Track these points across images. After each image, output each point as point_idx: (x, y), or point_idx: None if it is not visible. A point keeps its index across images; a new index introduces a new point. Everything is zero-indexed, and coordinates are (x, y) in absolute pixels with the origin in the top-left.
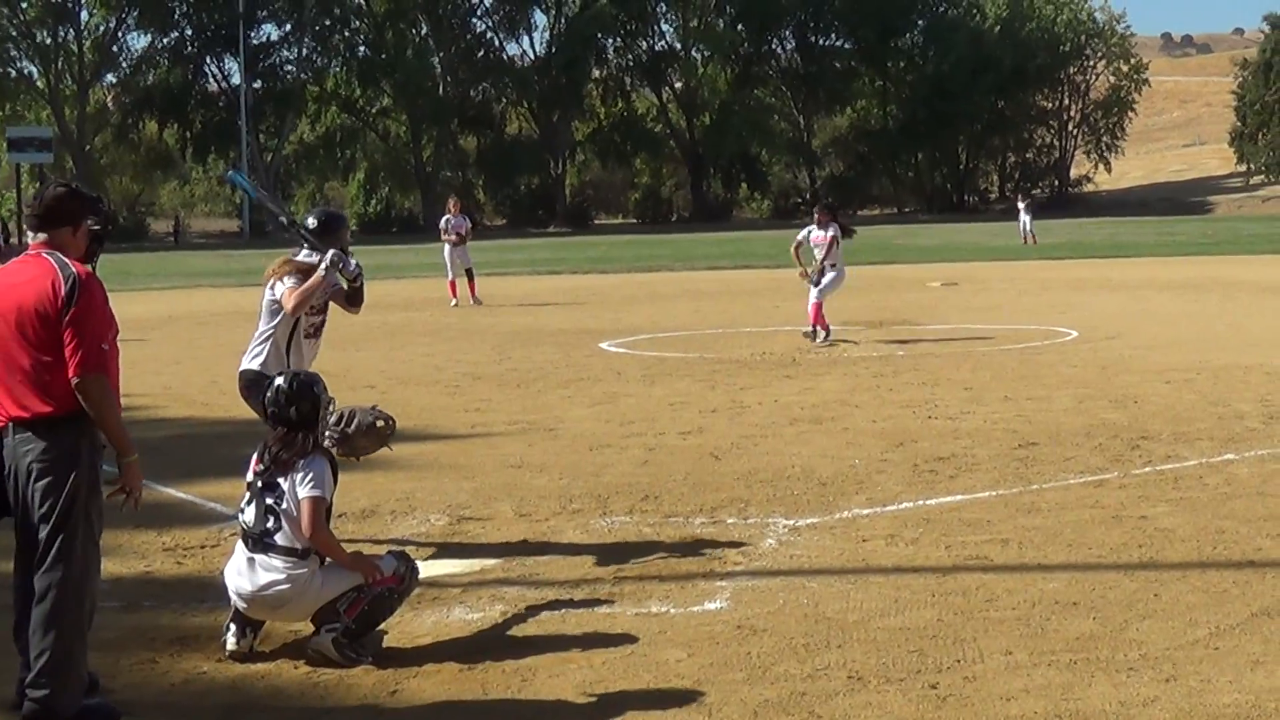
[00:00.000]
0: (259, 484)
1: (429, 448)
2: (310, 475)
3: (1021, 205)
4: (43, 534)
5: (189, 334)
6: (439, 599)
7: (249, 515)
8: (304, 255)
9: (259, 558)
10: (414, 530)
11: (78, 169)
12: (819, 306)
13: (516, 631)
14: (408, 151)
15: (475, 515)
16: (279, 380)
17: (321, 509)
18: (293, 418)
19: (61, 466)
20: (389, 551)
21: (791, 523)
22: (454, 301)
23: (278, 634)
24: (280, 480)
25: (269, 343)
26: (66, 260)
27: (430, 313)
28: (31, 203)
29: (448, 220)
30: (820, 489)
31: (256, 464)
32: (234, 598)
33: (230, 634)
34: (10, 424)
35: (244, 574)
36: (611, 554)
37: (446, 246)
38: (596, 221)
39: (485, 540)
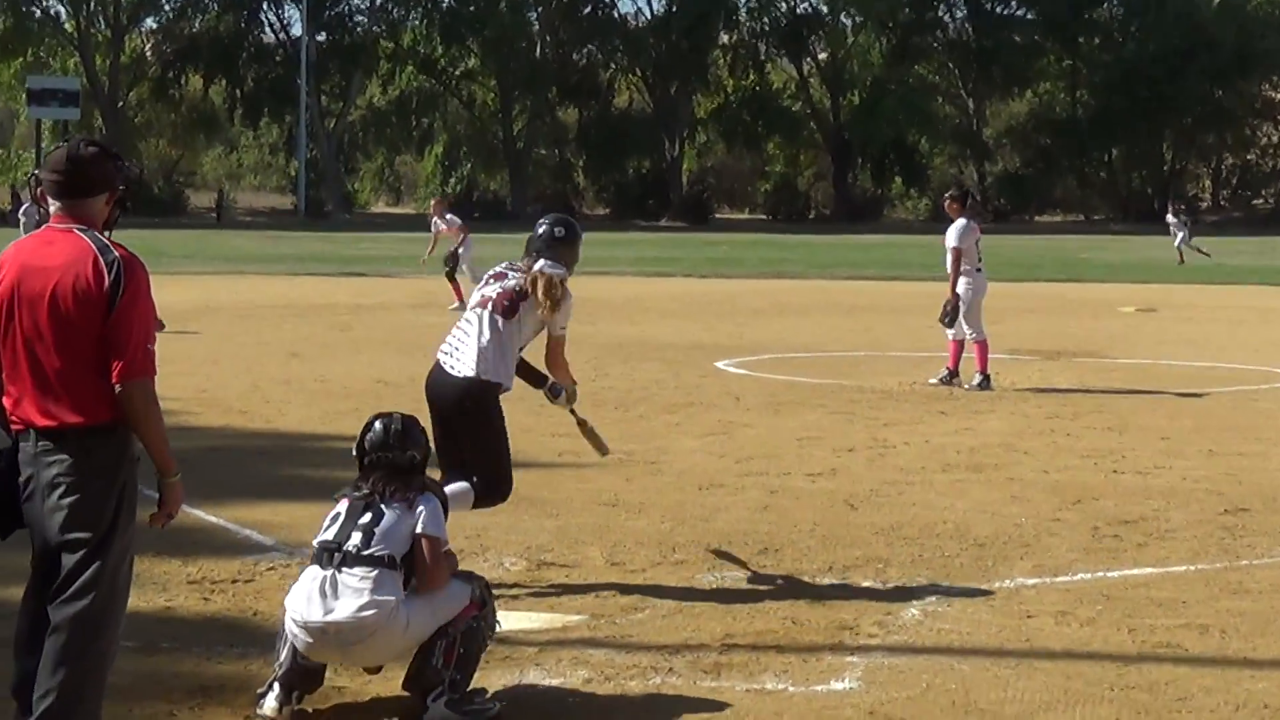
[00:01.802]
0: (360, 505)
1: (514, 476)
2: (430, 514)
3: (1172, 220)
4: (69, 561)
5: (229, 328)
6: (511, 659)
7: (334, 531)
8: (545, 264)
9: (343, 575)
10: (487, 575)
11: (107, 128)
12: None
13: (602, 703)
14: (495, 123)
15: (558, 560)
16: (379, 424)
17: (441, 550)
18: (405, 464)
19: (97, 485)
20: (452, 576)
21: (940, 590)
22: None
23: (327, 698)
24: (385, 509)
25: (508, 356)
26: (104, 239)
27: None
28: (54, 164)
29: (435, 224)
30: (977, 551)
31: (351, 493)
32: (295, 633)
33: (271, 695)
34: (30, 430)
35: (316, 599)
36: (720, 616)
37: (458, 248)
38: (718, 215)
39: (569, 591)
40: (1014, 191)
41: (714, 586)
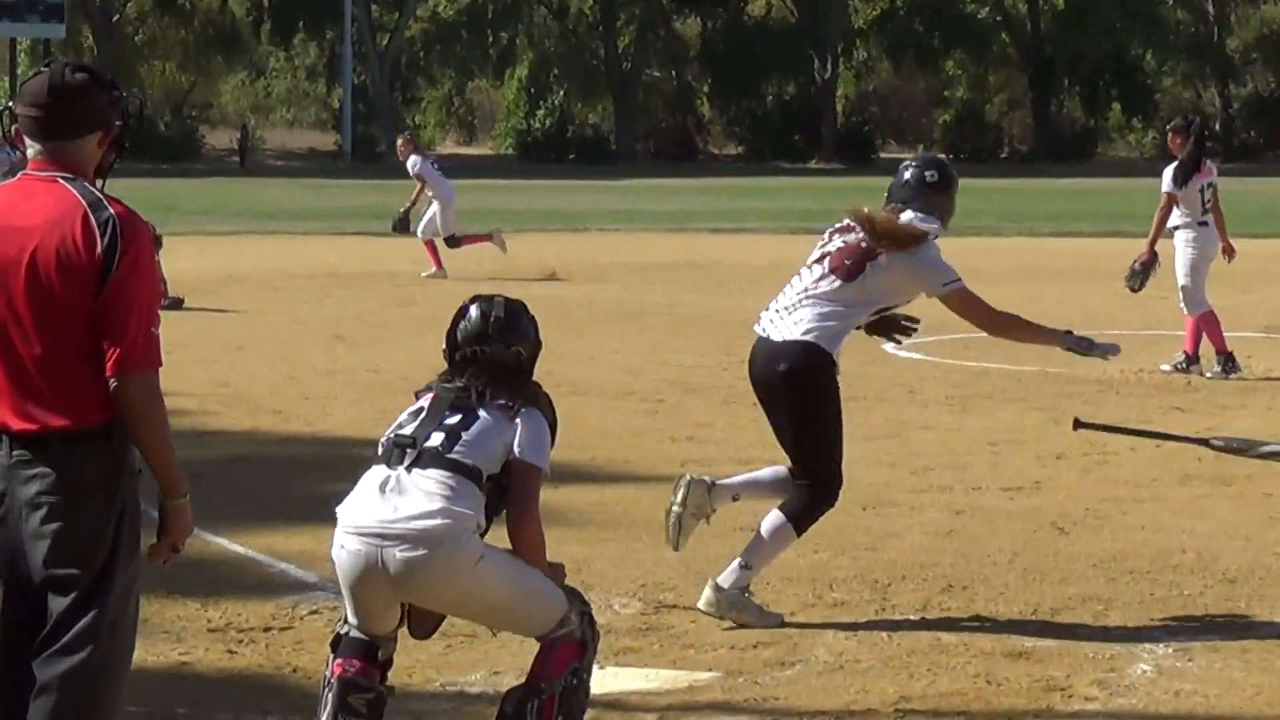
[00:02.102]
0: (448, 401)
1: (615, 494)
2: (531, 434)
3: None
4: (58, 604)
5: (257, 304)
6: None
7: (412, 426)
8: (914, 218)
9: (414, 474)
10: None
11: (100, 49)
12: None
13: None
14: (595, 37)
15: (683, 601)
16: (476, 310)
17: (538, 484)
18: (508, 362)
19: (90, 506)
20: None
21: (1179, 640)
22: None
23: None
24: (479, 412)
25: (845, 325)
26: (97, 191)
27: (624, 285)
28: (32, 96)
29: (416, 163)
30: (1226, 589)
31: (424, 399)
32: (339, 551)
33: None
34: (3, 437)
35: (374, 499)
36: (893, 673)
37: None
38: (883, 155)
39: (696, 640)
40: (1267, 121)
41: (883, 634)
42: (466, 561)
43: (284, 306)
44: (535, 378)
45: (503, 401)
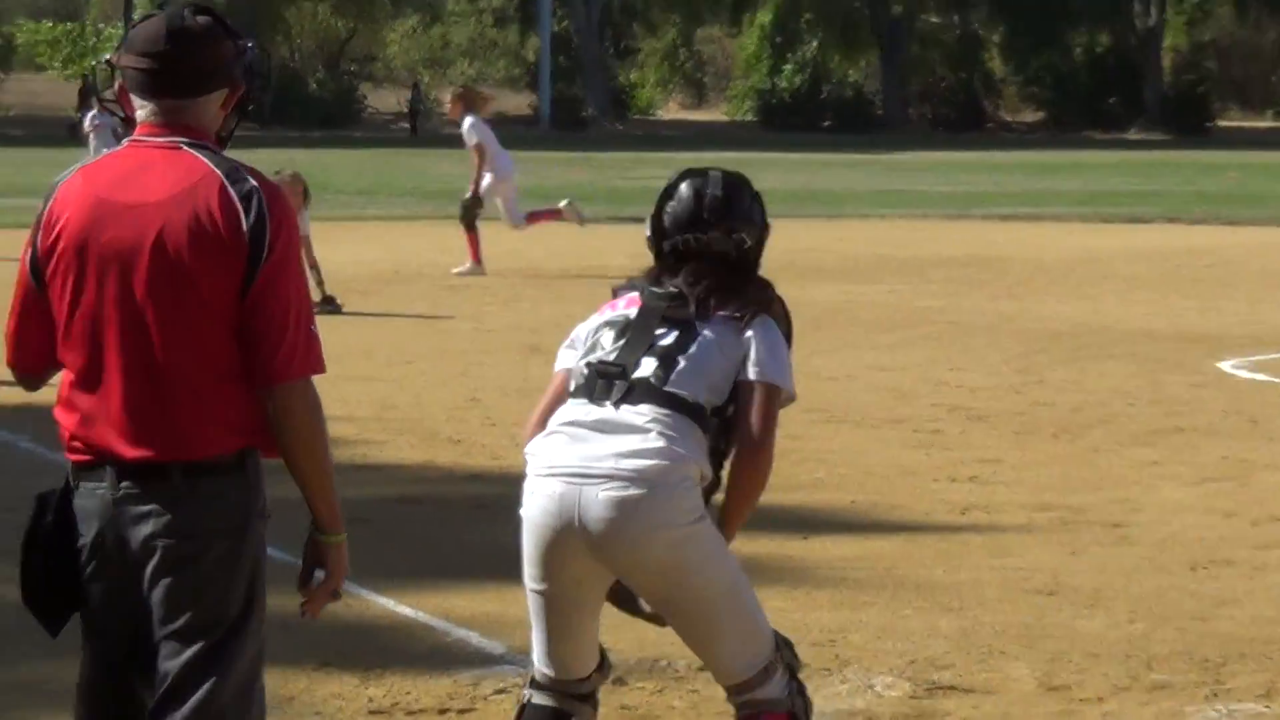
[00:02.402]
0: (658, 313)
1: (878, 547)
2: (768, 349)
3: None
4: (173, 666)
5: (430, 306)
6: None
7: (618, 350)
8: None
9: (624, 410)
10: (840, 705)
11: None
12: None
13: None
14: None
15: (961, 683)
16: (687, 187)
17: (778, 408)
18: (729, 253)
19: (217, 554)
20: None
21: None
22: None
23: None
24: (699, 328)
25: None
26: (232, 160)
27: (891, 284)
28: (144, 43)
29: (472, 124)
30: None
31: (621, 301)
32: (531, 498)
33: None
34: (107, 467)
35: (578, 437)
36: None
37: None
38: (1221, 123)
39: None
40: None
41: None
42: (682, 515)
43: (464, 310)
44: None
45: (728, 312)
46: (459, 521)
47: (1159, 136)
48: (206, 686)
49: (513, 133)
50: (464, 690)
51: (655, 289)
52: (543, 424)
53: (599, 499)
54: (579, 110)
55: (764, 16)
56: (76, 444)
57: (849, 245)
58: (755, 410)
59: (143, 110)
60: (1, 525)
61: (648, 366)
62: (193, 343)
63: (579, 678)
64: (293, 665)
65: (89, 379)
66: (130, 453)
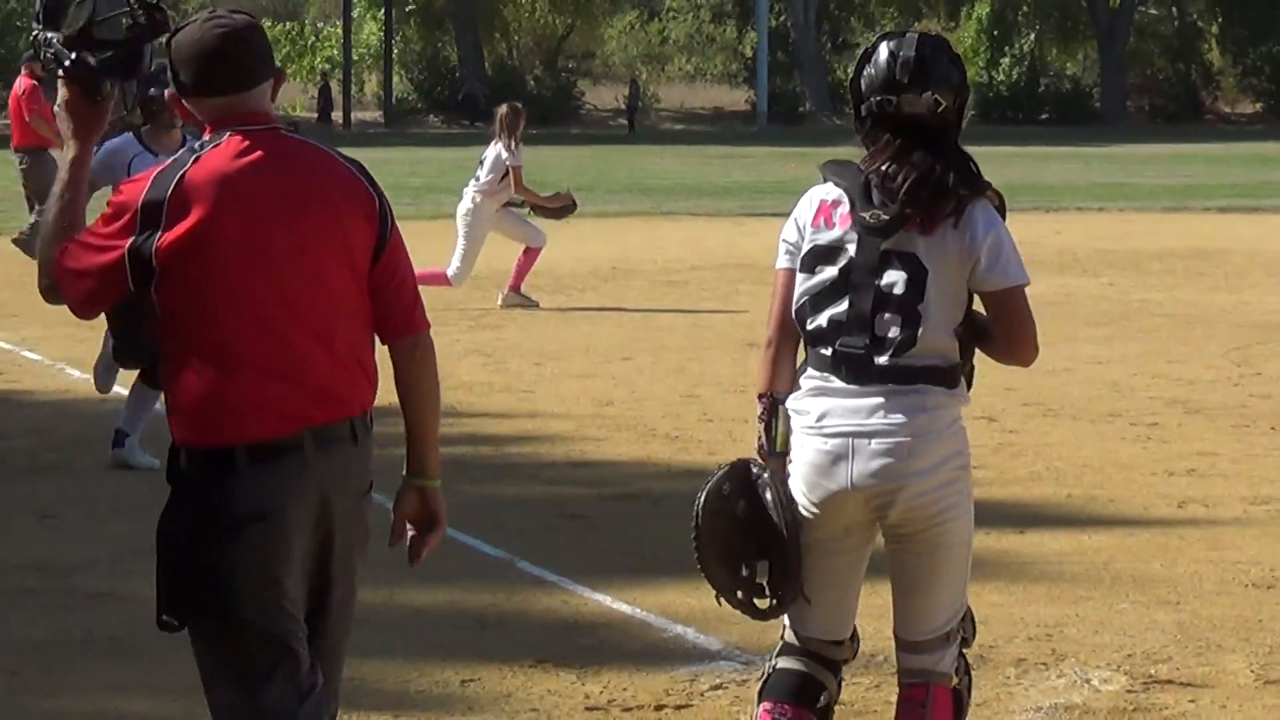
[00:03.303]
0: (876, 243)
1: (1094, 541)
2: (992, 245)
3: None
4: (340, 626)
5: (648, 302)
6: None
7: (842, 310)
8: None
9: (876, 389)
10: (1056, 699)
11: None
12: None
13: None
14: None
15: (1179, 676)
16: (885, 49)
17: (1025, 302)
18: (928, 113)
19: (367, 514)
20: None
21: None
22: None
23: None
24: (927, 262)
25: None
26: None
27: (1109, 277)
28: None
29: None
30: None
31: (835, 213)
32: (807, 440)
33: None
34: (310, 433)
35: (841, 404)
36: None
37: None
38: None
39: None
40: None
41: None
42: (944, 461)
43: (682, 306)
44: (988, 404)
45: (944, 214)
46: (676, 518)
47: None
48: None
49: (730, 128)
50: (681, 686)
51: (866, 215)
52: (782, 335)
53: (871, 448)
54: (797, 106)
55: (981, 9)
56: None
57: (1066, 238)
58: (1016, 320)
59: (203, 107)
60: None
61: (889, 336)
62: (362, 309)
63: (837, 639)
64: (509, 662)
65: (281, 360)
66: (337, 411)
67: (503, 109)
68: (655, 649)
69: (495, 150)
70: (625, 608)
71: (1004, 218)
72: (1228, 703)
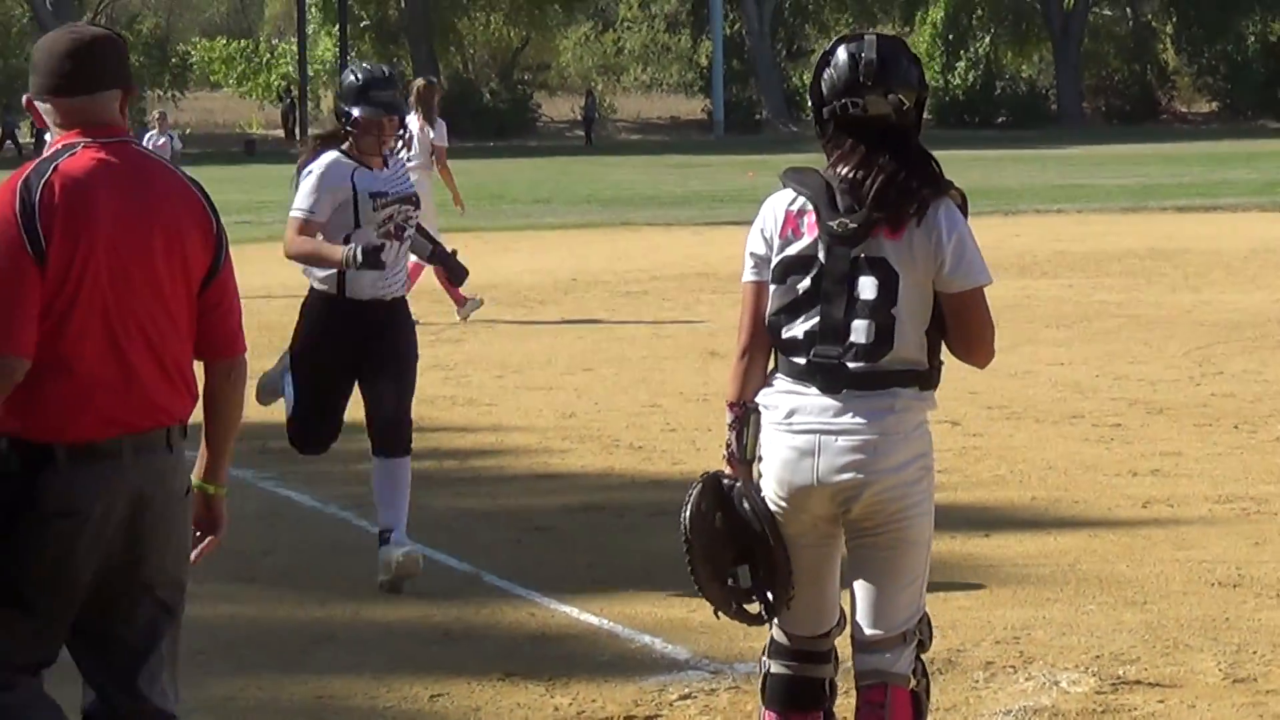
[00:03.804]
0: (845, 250)
1: (1060, 543)
2: (956, 245)
3: None
4: (149, 618)
5: (608, 313)
6: None
7: (813, 324)
8: None
9: (847, 394)
10: (1025, 702)
11: (408, 0)
12: None
13: None
14: None
15: (1147, 677)
16: (844, 51)
17: (985, 301)
18: (889, 115)
19: (187, 516)
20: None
21: None
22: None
23: None
24: (895, 265)
25: None
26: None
27: (1068, 279)
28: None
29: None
30: None
31: (802, 221)
32: (776, 435)
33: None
34: (129, 439)
35: (811, 404)
36: None
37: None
38: None
39: None
40: None
41: None
42: (910, 462)
43: (643, 316)
44: (955, 407)
45: (909, 213)
46: (641, 528)
47: None
48: (166, 657)
49: (687, 137)
50: (649, 697)
51: (833, 224)
52: (754, 346)
53: (837, 445)
54: (753, 113)
55: (936, 14)
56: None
57: (1025, 241)
58: (975, 321)
59: (56, 113)
60: None
61: (858, 340)
62: (184, 322)
63: (822, 632)
64: (478, 675)
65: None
66: (171, 416)
67: (419, 82)
68: (623, 660)
69: (415, 128)
70: (592, 619)
71: (966, 216)
72: (1196, 702)
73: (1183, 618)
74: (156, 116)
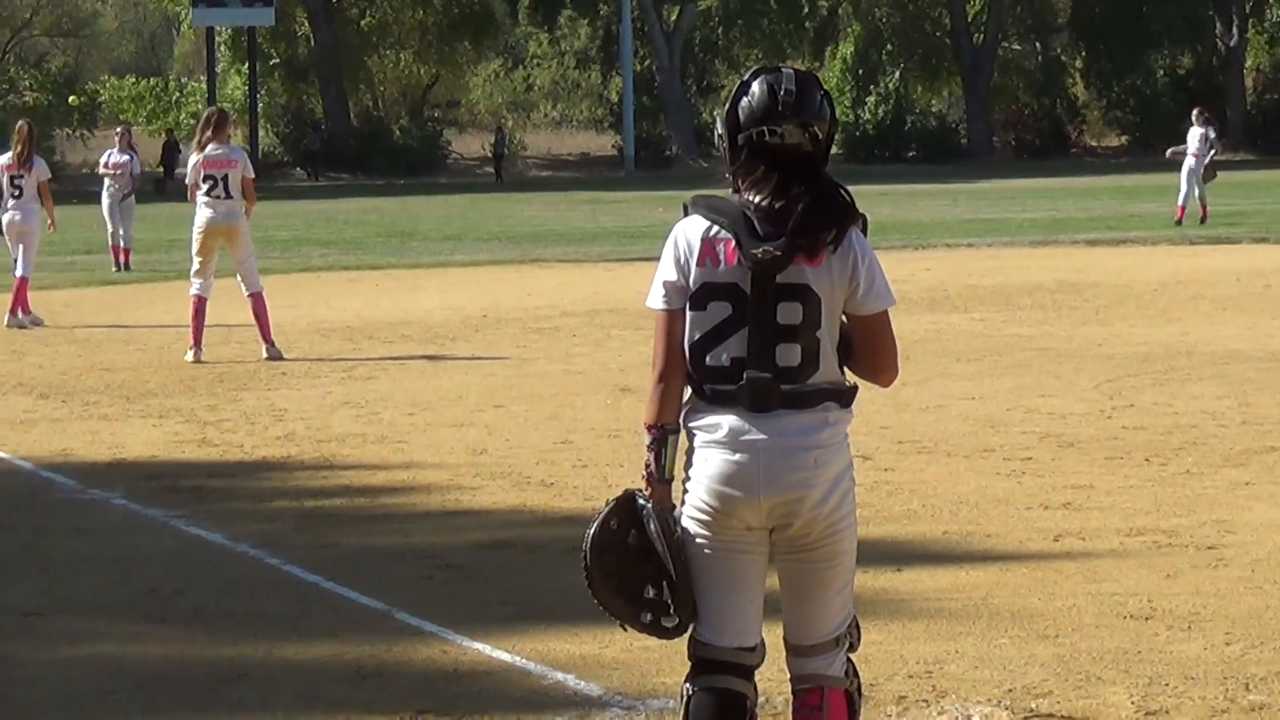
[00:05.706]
0: (768, 270)
1: (972, 577)
2: (867, 270)
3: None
4: None
5: (520, 349)
6: None
7: (744, 349)
8: None
9: (781, 412)
10: None
11: (317, 38)
12: None
13: None
14: (937, 5)
15: (1059, 710)
16: (760, 84)
17: (889, 322)
18: (807, 148)
19: None
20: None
21: None
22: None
23: None
24: (813, 286)
25: None
26: None
27: (979, 313)
28: None
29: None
30: None
31: (719, 249)
32: (711, 452)
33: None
34: None
35: (744, 425)
36: None
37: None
38: None
39: None
40: None
41: None
42: (843, 473)
43: (554, 352)
44: (862, 440)
45: (825, 239)
46: (553, 565)
47: (1244, 157)
48: None
49: (597, 173)
50: None
51: (757, 252)
52: (670, 371)
53: (770, 464)
54: (663, 149)
55: (845, 49)
56: None
57: (936, 275)
58: (881, 343)
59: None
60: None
61: (790, 360)
62: None
63: (749, 645)
64: (390, 713)
65: None
66: None
67: (211, 111)
68: (536, 696)
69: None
70: (505, 656)
71: (866, 237)
72: None
73: (1095, 650)
74: (119, 132)
